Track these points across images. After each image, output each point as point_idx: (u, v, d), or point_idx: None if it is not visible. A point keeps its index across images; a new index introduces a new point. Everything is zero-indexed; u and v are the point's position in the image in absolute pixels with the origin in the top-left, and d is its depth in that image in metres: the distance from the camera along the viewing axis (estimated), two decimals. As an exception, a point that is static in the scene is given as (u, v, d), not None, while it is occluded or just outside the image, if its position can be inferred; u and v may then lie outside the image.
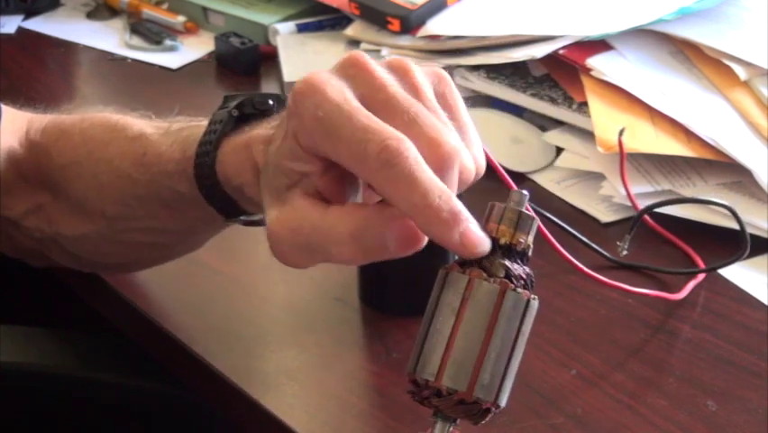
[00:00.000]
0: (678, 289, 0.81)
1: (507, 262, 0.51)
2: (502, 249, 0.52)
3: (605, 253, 0.84)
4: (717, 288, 0.82)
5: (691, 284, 0.82)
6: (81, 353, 0.92)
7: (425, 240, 0.54)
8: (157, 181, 0.72)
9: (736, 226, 0.84)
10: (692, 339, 0.77)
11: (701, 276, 0.83)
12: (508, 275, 0.51)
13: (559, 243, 0.78)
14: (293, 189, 0.59)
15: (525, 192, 0.53)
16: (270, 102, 0.71)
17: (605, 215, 0.90)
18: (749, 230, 0.85)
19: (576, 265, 0.79)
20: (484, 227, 0.52)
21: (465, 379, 0.51)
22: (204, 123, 0.71)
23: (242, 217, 0.70)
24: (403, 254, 0.55)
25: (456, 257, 0.52)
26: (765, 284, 0.82)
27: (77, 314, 0.94)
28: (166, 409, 0.90)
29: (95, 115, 0.77)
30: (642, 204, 0.88)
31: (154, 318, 0.79)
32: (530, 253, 0.52)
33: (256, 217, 0.70)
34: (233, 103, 0.70)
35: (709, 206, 0.85)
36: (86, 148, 0.75)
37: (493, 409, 0.52)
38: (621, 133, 0.89)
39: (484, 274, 0.51)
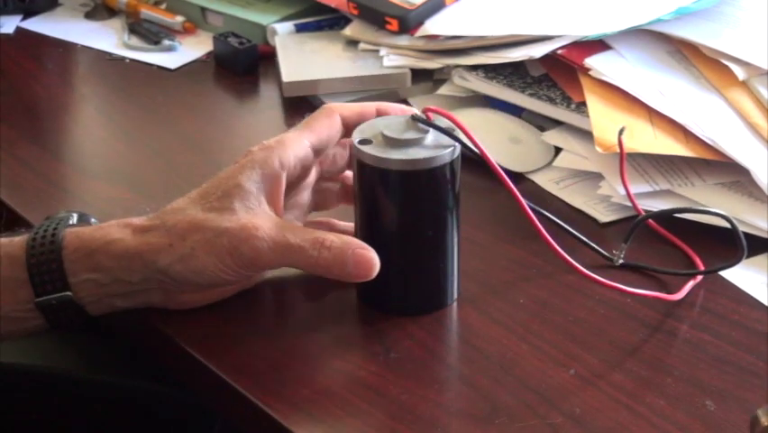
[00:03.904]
0: (677, 289, 0.81)
1: None
2: None
3: (604, 252, 0.84)
4: (716, 288, 0.82)
5: (690, 284, 0.82)
6: (81, 353, 0.92)
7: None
8: None
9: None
10: (691, 339, 0.77)
11: (700, 276, 0.83)
12: None
13: (557, 243, 0.78)
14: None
15: None
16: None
17: (603, 215, 0.90)
18: (748, 230, 0.85)
19: (574, 266, 0.79)
20: None
21: None
22: None
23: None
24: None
25: None
26: (764, 284, 0.82)
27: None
28: (165, 409, 0.90)
29: None
30: (640, 204, 0.88)
31: (153, 319, 0.79)
32: None
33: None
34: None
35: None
36: None
37: None
38: (621, 132, 0.89)
39: None
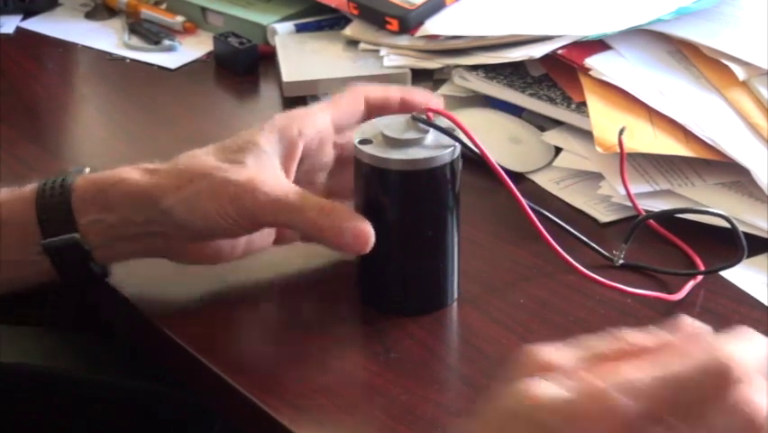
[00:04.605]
0: (677, 289, 0.81)
1: None
2: None
3: (604, 252, 0.84)
4: (716, 288, 0.82)
5: (690, 284, 0.82)
6: (81, 353, 0.92)
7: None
8: None
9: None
10: (691, 339, 0.77)
11: (700, 276, 0.83)
12: None
13: (557, 243, 0.78)
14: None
15: None
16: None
17: (603, 215, 0.90)
18: (748, 230, 0.85)
19: (574, 266, 0.79)
20: None
21: None
22: None
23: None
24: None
25: None
26: (764, 284, 0.82)
27: (76, 314, 0.94)
28: (165, 409, 0.90)
29: None
30: (641, 204, 0.88)
31: (153, 319, 0.79)
32: None
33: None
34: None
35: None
36: None
37: None
38: (621, 132, 0.89)
39: None
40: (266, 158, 0.76)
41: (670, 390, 0.46)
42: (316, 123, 0.79)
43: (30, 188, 0.78)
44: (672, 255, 0.86)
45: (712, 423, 0.45)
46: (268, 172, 0.76)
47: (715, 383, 0.45)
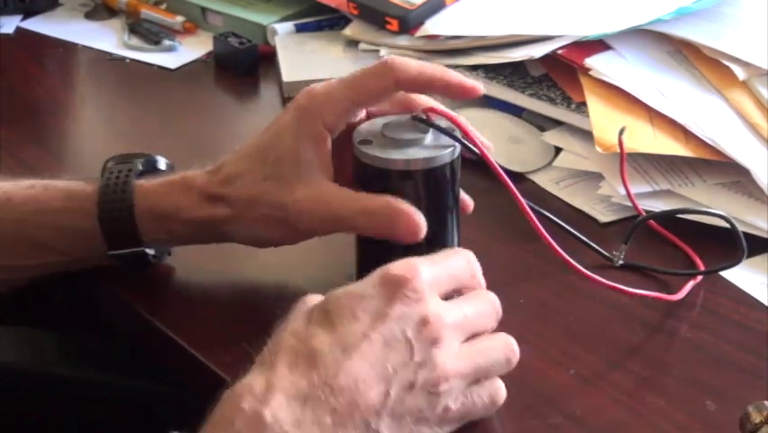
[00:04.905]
0: (677, 289, 0.81)
1: None
2: None
3: (604, 252, 0.84)
4: (716, 288, 0.82)
5: (690, 284, 0.82)
6: (81, 353, 0.92)
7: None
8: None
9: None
10: (691, 339, 0.77)
11: (700, 276, 0.83)
12: None
13: (557, 243, 0.78)
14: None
15: None
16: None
17: (603, 215, 0.90)
18: (748, 230, 0.85)
19: (574, 266, 0.79)
20: None
21: None
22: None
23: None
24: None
25: None
26: (764, 284, 0.82)
27: (76, 314, 0.94)
28: (165, 409, 0.90)
29: None
30: (641, 204, 0.88)
31: (153, 319, 0.79)
32: None
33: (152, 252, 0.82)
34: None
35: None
36: None
37: None
38: (621, 132, 0.89)
39: None
40: (304, 168, 0.76)
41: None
42: (338, 112, 0.77)
43: (89, 195, 0.80)
44: (671, 255, 0.86)
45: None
46: (312, 188, 0.76)
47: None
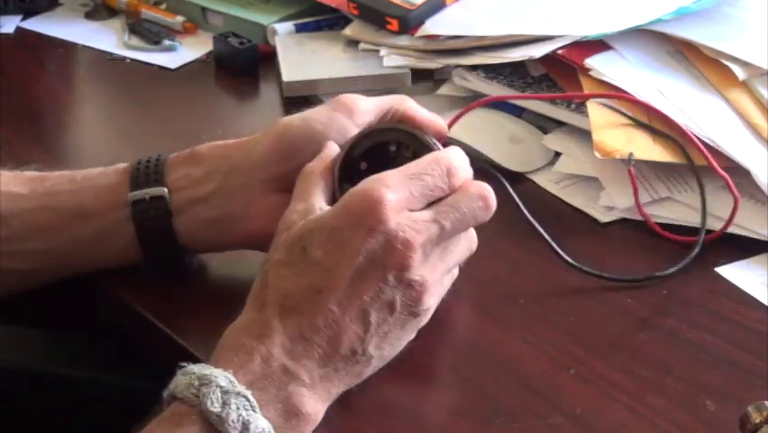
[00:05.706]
0: (676, 288, 0.81)
1: None
2: None
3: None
4: (716, 288, 0.82)
5: (689, 284, 0.82)
6: (82, 353, 0.92)
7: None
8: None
9: (736, 229, 0.84)
10: (691, 339, 0.77)
11: (701, 275, 0.83)
12: None
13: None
14: None
15: None
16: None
17: (603, 215, 0.90)
18: (748, 234, 0.85)
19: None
20: None
21: None
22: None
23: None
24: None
25: None
26: (764, 284, 0.82)
27: (75, 314, 0.94)
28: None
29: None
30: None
31: (153, 319, 0.79)
32: None
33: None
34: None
35: (704, 209, 0.85)
36: None
37: None
38: (630, 162, 0.88)
39: None
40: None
41: None
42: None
43: (124, 165, 0.82)
44: (670, 255, 0.86)
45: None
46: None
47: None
